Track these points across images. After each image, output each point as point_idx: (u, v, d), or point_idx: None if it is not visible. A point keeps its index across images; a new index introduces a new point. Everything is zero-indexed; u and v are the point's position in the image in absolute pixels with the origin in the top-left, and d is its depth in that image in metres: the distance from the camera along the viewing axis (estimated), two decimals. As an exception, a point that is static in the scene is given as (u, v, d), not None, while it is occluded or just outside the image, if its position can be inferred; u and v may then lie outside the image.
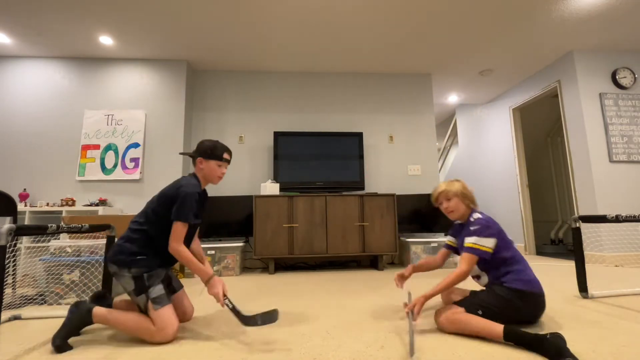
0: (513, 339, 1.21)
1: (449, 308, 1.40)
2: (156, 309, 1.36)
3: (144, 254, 1.44)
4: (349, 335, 1.39)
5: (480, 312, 1.34)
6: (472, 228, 1.48)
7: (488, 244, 1.43)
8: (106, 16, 2.94)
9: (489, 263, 1.46)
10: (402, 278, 1.72)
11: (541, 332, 1.17)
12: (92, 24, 3.06)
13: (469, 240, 1.45)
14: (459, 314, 1.35)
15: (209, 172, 1.62)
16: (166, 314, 1.36)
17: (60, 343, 1.29)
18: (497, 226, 1.49)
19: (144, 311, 1.39)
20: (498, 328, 1.24)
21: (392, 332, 1.43)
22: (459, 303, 1.41)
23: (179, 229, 1.43)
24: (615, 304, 1.80)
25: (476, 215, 1.53)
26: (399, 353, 1.19)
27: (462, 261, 1.44)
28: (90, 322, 1.40)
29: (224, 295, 1.40)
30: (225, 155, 1.65)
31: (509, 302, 1.36)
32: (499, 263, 1.45)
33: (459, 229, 1.67)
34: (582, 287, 1.94)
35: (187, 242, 1.57)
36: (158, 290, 1.41)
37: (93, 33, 3.19)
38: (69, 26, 3.07)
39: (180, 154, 1.89)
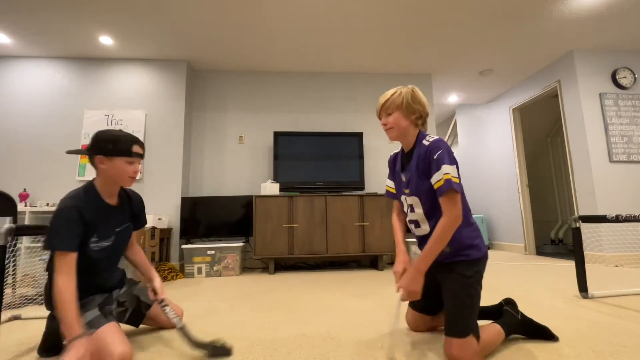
0: (509, 332, 1.22)
1: (459, 349, 1.06)
2: (92, 333, 1.11)
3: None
4: (349, 335, 1.39)
5: (470, 318, 1.12)
6: (436, 155, 1.12)
7: (456, 171, 1.11)
8: (106, 16, 2.94)
9: (438, 209, 1.15)
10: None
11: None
12: (92, 24, 3.06)
13: (445, 171, 1.09)
14: (482, 345, 1.10)
15: (116, 173, 1.25)
16: (102, 340, 1.10)
17: (45, 355, 1.24)
18: (449, 148, 1.18)
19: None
20: (501, 330, 1.21)
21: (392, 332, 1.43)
22: (457, 333, 1.08)
23: (58, 261, 1.11)
24: (615, 304, 1.80)
25: (430, 138, 1.20)
26: (399, 353, 1.19)
27: (447, 204, 1.09)
28: None
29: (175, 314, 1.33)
30: (136, 149, 1.27)
31: (476, 277, 1.15)
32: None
33: (397, 163, 1.35)
34: (582, 287, 1.94)
35: (113, 264, 1.38)
36: (91, 314, 1.19)
37: (93, 33, 3.19)
38: (69, 26, 3.07)
39: (68, 152, 1.43)
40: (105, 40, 3.30)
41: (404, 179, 1.30)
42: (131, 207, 1.44)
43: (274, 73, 4.04)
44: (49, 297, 1.24)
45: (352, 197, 3.29)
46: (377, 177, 3.94)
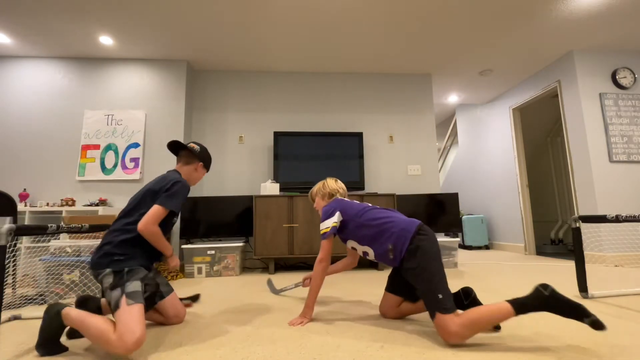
0: (523, 309, 1.19)
1: (440, 328, 1.23)
2: (129, 304, 1.23)
3: (128, 255, 1.40)
4: (349, 335, 1.39)
5: (440, 296, 1.25)
6: (322, 222, 1.65)
7: (329, 222, 1.60)
8: (106, 16, 2.94)
9: (361, 237, 1.56)
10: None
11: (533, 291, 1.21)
12: (92, 24, 3.06)
13: (321, 228, 1.63)
14: (466, 320, 1.20)
15: (196, 178, 1.75)
16: (134, 315, 1.21)
17: (42, 352, 1.24)
18: (338, 204, 1.66)
19: (114, 310, 1.24)
20: (507, 308, 1.18)
21: (392, 331, 1.43)
22: (432, 316, 1.26)
23: (159, 213, 1.46)
24: (615, 304, 1.80)
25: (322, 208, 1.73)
26: (399, 353, 1.19)
27: (321, 248, 1.62)
28: (63, 325, 1.27)
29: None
30: (210, 168, 1.85)
31: (424, 258, 1.36)
32: (370, 230, 1.52)
33: None
34: (582, 287, 1.94)
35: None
36: (135, 285, 1.32)
37: (93, 33, 3.19)
38: (69, 26, 3.07)
39: (189, 145, 1.71)
40: (105, 40, 3.30)
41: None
42: None
43: (274, 73, 4.04)
44: (111, 257, 1.39)
45: (352, 197, 3.29)
46: (377, 177, 3.94)
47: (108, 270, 1.35)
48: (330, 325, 1.55)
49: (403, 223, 1.46)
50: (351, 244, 1.64)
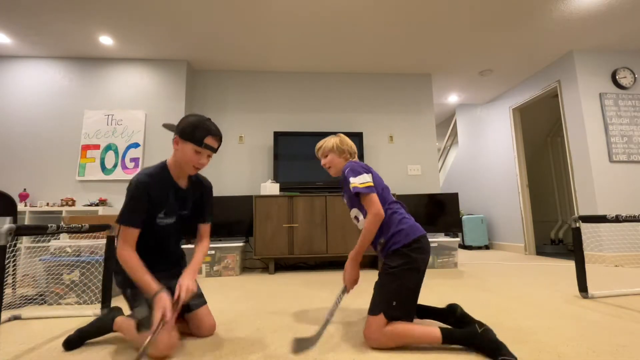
0: (450, 340, 1.17)
1: (367, 326, 1.24)
2: (142, 332, 1.16)
3: (124, 273, 1.26)
4: (349, 335, 1.39)
5: (394, 302, 1.22)
6: (345, 175, 1.42)
7: (367, 177, 1.37)
8: (106, 16, 2.94)
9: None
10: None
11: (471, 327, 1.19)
12: (92, 24, 3.05)
13: (352, 181, 1.35)
14: (394, 328, 1.19)
15: (182, 158, 1.29)
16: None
17: (68, 347, 1.28)
18: (366, 167, 1.44)
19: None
20: (436, 333, 1.17)
21: (392, 332, 1.43)
22: (371, 312, 1.24)
23: (122, 233, 1.23)
24: (615, 304, 1.80)
25: (345, 165, 1.50)
26: (398, 352, 1.19)
27: (366, 205, 1.33)
28: (108, 331, 1.35)
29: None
30: (209, 141, 1.27)
31: (406, 266, 1.26)
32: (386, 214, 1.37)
33: (344, 186, 1.57)
34: (582, 287, 1.94)
35: (174, 242, 1.46)
36: (143, 311, 1.20)
37: (93, 33, 3.19)
38: (69, 26, 3.07)
39: (164, 125, 1.43)
40: (105, 40, 3.30)
41: (345, 200, 1.57)
42: (195, 194, 1.43)
43: (274, 73, 4.04)
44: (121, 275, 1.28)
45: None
46: (377, 177, 3.93)
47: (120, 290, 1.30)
48: (330, 325, 1.54)
49: (409, 225, 1.35)
50: (355, 212, 1.47)
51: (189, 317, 1.41)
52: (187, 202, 1.41)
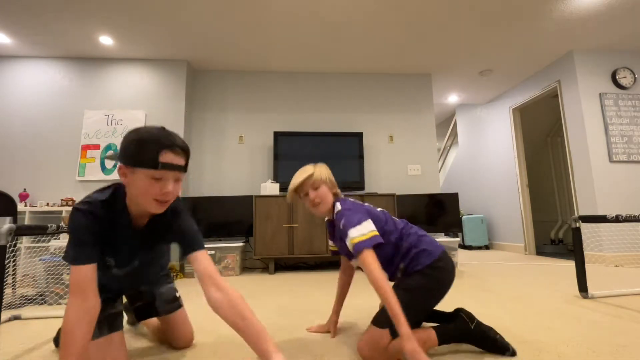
0: (447, 340, 1.17)
1: (369, 336, 1.13)
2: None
3: None
4: (349, 335, 1.39)
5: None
6: (342, 223, 1.18)
7: (369, 226, 1.15)
8: (106, 16, 2.94)
9: (383, 255, 1.19)
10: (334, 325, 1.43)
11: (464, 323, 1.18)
12: (92, 24, 3.05)
13: (352, 236, 1.12)
14: (392, 346, 1.09)
15: (137, 192, 0.91)
16: (93, 351, 0.97)
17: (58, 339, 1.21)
18: (361, 206, 1.25)
19: None
20: (432, 337, 1.13)
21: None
22: (377, 324, 1.13)
23: (71, 277, 0.88)
24: (615, 304, 1.80)
25: (337, 207, 1.26)
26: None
27: (365, 265, 1.08)
28: None
29: None
30: (167, 157, 0.88)
31: (428, 287, 1.16)
32: (389, 253, 1.21)
33: (332, 229, 1.39)
34: (582, 287, 1.94)
35: (145, 281, 1.25)
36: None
37: (93, 33, 3.19)
38: (69, 26, 3.07)
39: (107, 157, 1.19)
40: (105, 40, 3.30)
41: (335, 245, 1.41)
42: (166, 227, 1.06)
43: (274, 73, 4.04)
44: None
45: (352, 197, 3.28)
46: (377, 177, 3.94)
47: None
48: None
49: (428, 242, 1.22)
50: (357, 263, 1.25)
51: (163, 323, 1.27)
52: (154, 240, 1.08)
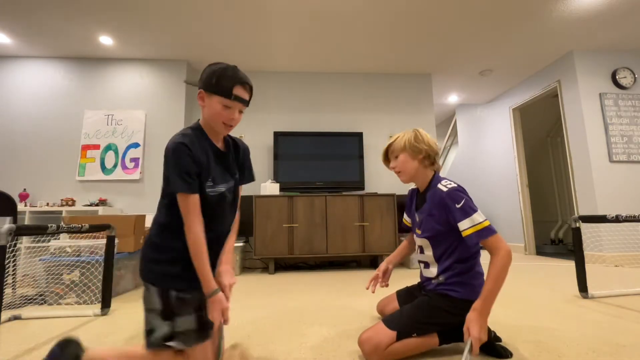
0: (448, 340, 1.18)
1: (375, 332, 1.13)
2: (178, 347, 0.94)
3: (167, 259, 0.99)
4: (349, 335, 1.39)
5: (415, 334, 1.12)
6: (458, 205, 1.12)
7: (482, 216, 1.11)
8: (106, 16, 2.94)
9: (452, 257, 1.18)
10: (379, 279, 1.42)
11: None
12: (92, 24, 3.05)
13: (477, 221, 1.09)
14: (393, 347, 1.10)
15: (211, 115, 1.05)
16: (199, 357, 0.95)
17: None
18: (463, 189, 1.20)
19: (152, 345, 0.95)
20: (434, 340, 1.15)
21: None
22: (388, 323, 1.13)
23: (184, 205, 0.97)
24: (615, 304, 1.80)
25: (449, 184, 1.19)
26: None
27: (494, 244, 1.06)
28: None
29: None
30: (238, 91, 1.03)
31: (453, 316, 1.14)
32: (465, 266, 1.18)
33: (412, 203, 1.34)
34: (582, 287, 1.94)
35: (229, 221, 1.17)
36: (186, 322, 0.96)
37: (93, 33, 3.19)
38: (69, 26, 3.07)
39: (186, 82, 1.28)
40: (105, 40, 3.30)
41: (417, 219, 1.31)
42: (237, 157, 1.20)
43: (274, 73, 4.04)
44: (151, 263, 1.00)
45: (352, 197, 3.29)
46: (377, 177, 3.94)
47: (153, 289, 0.97)
48: (330, 325, 1.54)
49: (480, 284, 1.16)
50: (425, 243, 1.26)
51: None
52: (230, 166, 1.16)
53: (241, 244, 3.21)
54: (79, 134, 3.51)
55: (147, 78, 3.68)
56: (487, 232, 1.07)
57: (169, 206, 1.02)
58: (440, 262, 1.21)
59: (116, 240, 2.19)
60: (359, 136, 3.74)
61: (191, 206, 0.97)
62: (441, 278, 1.19)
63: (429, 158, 1.26)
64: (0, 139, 3.43)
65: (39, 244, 2.69)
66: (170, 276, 0.98)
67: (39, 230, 1.43)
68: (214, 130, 1.09)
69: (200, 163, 1.02)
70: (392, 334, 1.10)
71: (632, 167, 3.50)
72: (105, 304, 1.82)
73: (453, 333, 1.18)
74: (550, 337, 1.31)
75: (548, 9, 2.94)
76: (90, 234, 2.14)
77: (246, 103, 1.07)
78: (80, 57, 3.63)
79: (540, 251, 4.56)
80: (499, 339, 1.18)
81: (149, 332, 0.95)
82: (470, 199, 1.16)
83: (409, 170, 1.26)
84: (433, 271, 1.24)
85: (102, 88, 3.62)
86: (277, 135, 3.66)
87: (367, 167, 3.94)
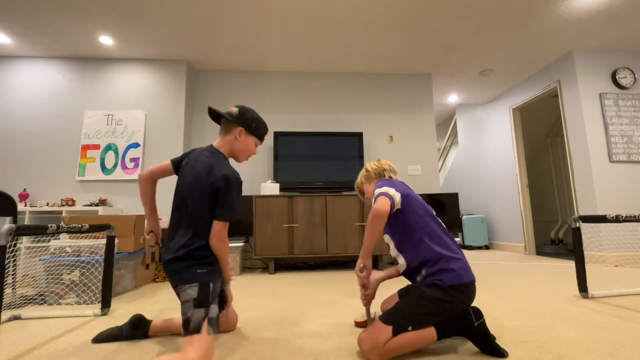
0: (447, 335, 1.18)
1: (373, 330, 1.16)
2: (210, 332, 1.10)
3: (212, 262, 1.24)
4: (349, 335, 1.39)
5: (410, 327, 1.14)
6: (375, 190, 1.31)
7: (392, 192, 1.24)
8: (106, 16, 2.94)
9: (404, 239, 1.26)
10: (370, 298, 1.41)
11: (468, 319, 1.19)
12: (92, 24, 3.05)
13: (378, 191, 1.26)
14: (390, 343, 1.12)
15: (243, 148, 1.36)
16: (211, 345, 1.09)
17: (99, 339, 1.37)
18: (396, 184, 1.32)
19: (192, 330, 1.09)
20: (432, 334, 1.15)
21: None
22: (384, 320, 1.16)
23: (224, 227, 1.25)
24: (615, 304, 1.80)
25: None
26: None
27: (376, 205, 1.20)
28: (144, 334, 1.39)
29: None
30: (264, 136, 1.43)
31: (443, 303, 1.15)
32: (415, 241, 1.24)
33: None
34: (582, 287, 1.94)
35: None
36: (215, 310, 1.16)
37: (93, 33, 3.19)
38: (69, 26, 3.07)
39: (224, 114, 1.36)
40: (105, 40, 3.30)
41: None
42: None
43: (274, 73, 4.04)
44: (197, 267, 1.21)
45: (352, 197, 3.29)
46: (377, 177, 3.93)
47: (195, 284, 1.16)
48: (330, 325, 1.54)
49: (462, 267, 1.20)
50: (387, 239, 1.37)
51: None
52: None
53: (241, 244, 3.21)
54: (79, 134, 3.51)
55: (147, 78, 3.68)
56: (378, 195, 1.25)
57: (210, 223, 1.24)
58: (402, 251, 1.29)
59: (116, 240, 2.19)
60: (358, 136, 3.74)
61: (226, 231, 1.28)
62: (423, 272, 1.22)
63: (379, 176, 1.53)
64: (0, 139, 3.43)
65: (39, 244, 2.69)
66: (219, 272, 1.25)
67: (39, 230, 1.43)
68: (234, 158, 1.40)
69: None
70: (387, 328, 1.13)
71: (632, 167, 3.51)
72: (105, 304, 1.82)
73: (450, 326, 1.18)
74: (550, 337, 1.31)
75: (548, 9, 2.94)
76: (90, 234, 2.14)
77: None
78: (81, 57, 3.63)
79: (540, 251, 4.56)
80: (493, 337, 1.18)
81: (208, 320, 1.12)
82: (393, 186, 1.30)
83: (371, 193, 1.46)
84: (402, 263, 1.30)
85: (102, 88, 3.62)
86: (277, 135, 3.66)
87: (367, 167, 3.93)
